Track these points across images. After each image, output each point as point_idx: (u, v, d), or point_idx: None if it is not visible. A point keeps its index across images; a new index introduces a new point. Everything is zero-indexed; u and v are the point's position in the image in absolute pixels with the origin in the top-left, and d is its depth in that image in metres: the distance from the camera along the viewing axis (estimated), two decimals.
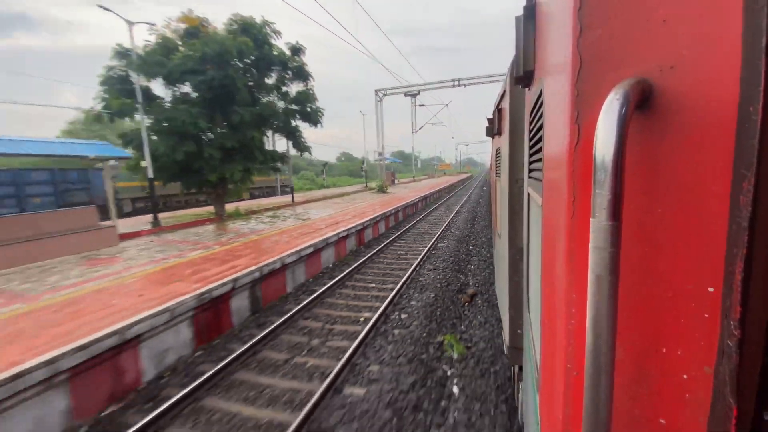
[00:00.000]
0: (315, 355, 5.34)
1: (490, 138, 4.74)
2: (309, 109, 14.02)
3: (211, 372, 4.67)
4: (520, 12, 1.35)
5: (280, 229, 11.93)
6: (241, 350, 5.21)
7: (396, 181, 46.23)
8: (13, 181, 17.77)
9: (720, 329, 0.56)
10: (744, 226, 0.51)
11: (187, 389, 4.33)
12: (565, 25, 0.72)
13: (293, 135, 14.61)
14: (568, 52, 0.69)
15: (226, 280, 6.47)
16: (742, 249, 0.51)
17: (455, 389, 4.42)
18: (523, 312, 2.22)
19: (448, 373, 4.76)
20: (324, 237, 10.16)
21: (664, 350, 0.63)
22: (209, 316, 6.04)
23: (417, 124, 30.70)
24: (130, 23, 11.10)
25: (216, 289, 6.14)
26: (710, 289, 0.58)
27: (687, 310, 0.60)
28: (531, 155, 1.57)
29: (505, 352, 3.86)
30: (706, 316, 0.58)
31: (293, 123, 14.52)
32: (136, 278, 6.90)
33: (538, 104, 1.22)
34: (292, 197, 22.19)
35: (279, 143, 17.85)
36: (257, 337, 5.62)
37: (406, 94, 27.54)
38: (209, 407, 4.24)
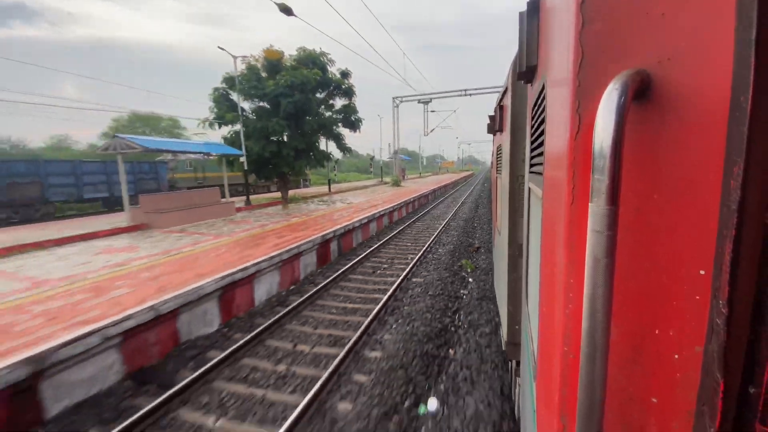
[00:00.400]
0: (392, 270, 9.61)
1: (492, 135, 4.90)
2: (353, 119, 18.31)
3: (333, 276, 8.94)
4: (524, 9, 1.37)
5: (335, 209, 16.23)
6: (344, 269, 9.41)
7: (405, 177, 50.46)
8: (105, 170, 22.10)
9: (710, 309, 0.58)
10: (733, 209, 0.53)
11: (328, 279, 8.61)
12: (568, 19, 0.75)
13: (338, 139, 18.88)
14: (571, 45, 0.72)
15: (327, 231, 10.73)
16: (731, 231, 0.53)
17: (470, 279, 8.69)
18: (522, 306, 2.26)
19: (465, 275, 9.04)
20: (370, 214, 14.43)
21: (657, 331, 0.65)
22: (321, 250, 10.32)
23: (429, 127, 35.02)
24: (234, 57, 15.44)
25: (327, 235, 10.42)
26: (701, 272, 0.60)
27: (680, 292, 0.63)
28: (532, 150, 1.60)
29: (503, 348, 4.03)
30: (698, 297, 0.60)
31: (337, 130, 18.78)
32: (266, 231, 11.16)
33: (541, 98, 1.25)
34: (329, 187, 26.67)
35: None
36: (352, 263, 9.86)
37: (419, 101, 31.88)
38: (342, 286, 8.53)
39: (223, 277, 6.44)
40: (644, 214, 0.66)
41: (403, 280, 8.26)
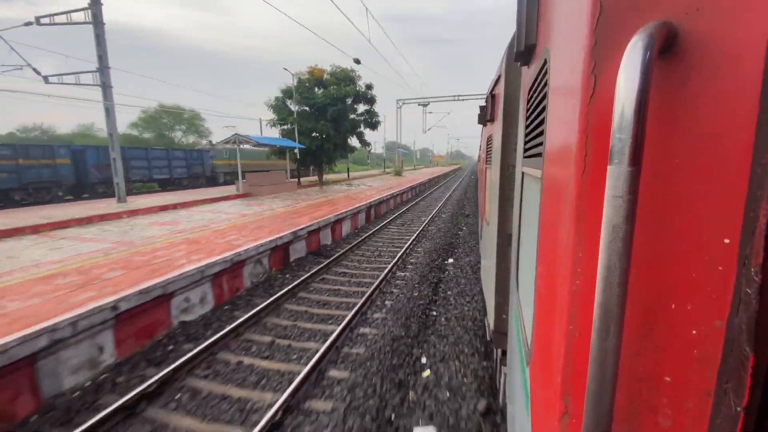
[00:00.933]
0: (412, 226, 15.22)
1: (481, 127, 4.79)
2: (373, 121, 23.80)
3: (365, 235, 14.54)
4: None
5: (361, 190, 21.73)
6: (374, 229, 14.88)
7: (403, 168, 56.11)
8: (167, 156, 27.06)
9: (736, 280, 0.55)
10: None
11: (378, 227, 14.21)
12: None
13: (360, 136, 24.36)
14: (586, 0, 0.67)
15: (362, 204, 16.25)
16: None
17: (464, 227, 14.41)
18: (511, 296, 2.22)
19: (461, 225, 14.75)
20: (389, 194, 20.00)
21: (673, 306, 0.62)
22: (358, 218, 15.84)
23: (426, 126, 40.67)
24: (293, 74, 20.72)
25: (362, 206, 15.98)
26: (726, 241, 0.56)
27: (700, 262, 0.59)
28: (528, 134, 1.56)
29: (488, 337, 4.21)
30: (720, 268, 0.57)
31: (360, 129, 24.27)
32: (328, 200, 16.63)
33: (541, 75, 1.22)
34: (348, 174, 32.18)
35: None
36: (379, 226, 15.41)
37: (419, 104, 37.38)
38: (371, 242, 14.16)
39: (330, 219, 11.97)
40: (662, 179, 0.61)
41: (421, 231, 13.94)
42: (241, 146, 22.88)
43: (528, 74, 1.64)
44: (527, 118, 1.61)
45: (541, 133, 1.19)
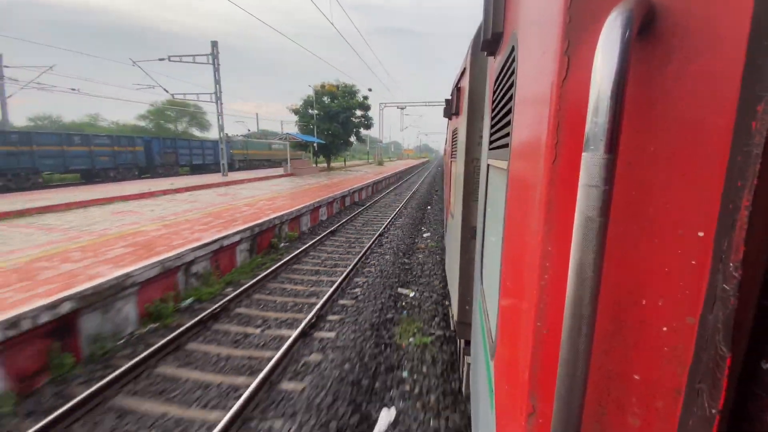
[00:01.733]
0: (405, 192, 23.60)
1: (447, 120, 4.78)
2: (368, 123, 31.95)
3: (382, 195, 22.88)
4: None
5: (360, 174, 29.76)
6: (371, 202, 23.19)
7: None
8: (202, 146, 33.70)
9: (710, 275, 0.52)
10: (756, 153, 0.44)
11: (382, 195, 22.53)
12: None
13: (357, 134, 32.45)
14: None
15: (369, 181, 24.47)
16: (752, 180, 0.45)
17: (435, 197, 23.03)
18: (475, 287, 2.21)
19: (435, 192, 23.35)
20: (383, 176, 28.27)
21: (644, 302, 0.60)
22: (364, 193, 24.06)
23: (403, 125, 49.20)
24: (314, 89, 28.33)
25: (369, 183, 24.20)
26: (700, 234, 0.54)
27: (673, 256, 0.57)
28: (495, 125, 1.52)
29: (452, 327, 4.24)
30: (694, 263, 0.55)
31: (357, 129, 32.38)
32: (344, 179, 24.66)
33: (508, 64, 1.18)
34: (345, 163, 40.01)
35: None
36: (386, 192, 23.70)
37: (398, 107, 45.70)
38: (388, 198, 22.53)
39: (364, 184, 20.09)
40: (636, 168, 0.58)
41: (411, 196, 22.38)
42: (250, 139, 29.89)
43: (494, 65, 1.59)
44: (493, 110, 1.57)
45: (508, 123, 1.15)
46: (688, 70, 0.54)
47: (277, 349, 4.79)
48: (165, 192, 15.67)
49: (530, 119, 0.83)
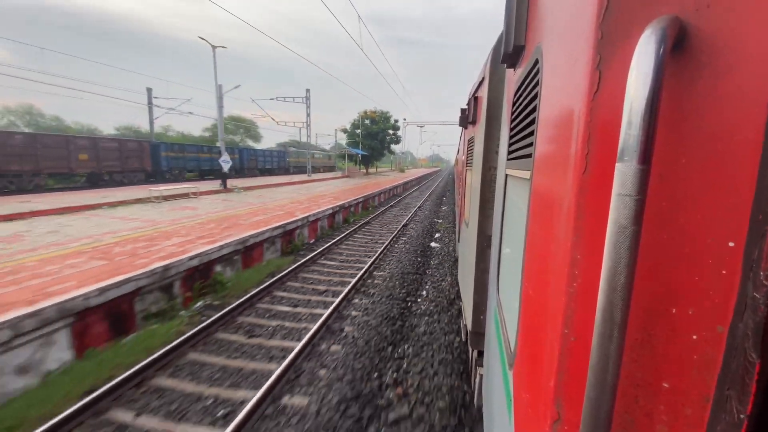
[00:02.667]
0: (427, 189, 33.53)
1: (462, 128, 4.69)
2: (398, 139, 42.23)
3: (413, 189, 32.85)
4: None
5: (394, 177, 39.83)
6: (405, 194, 33.10)
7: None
8: (271, 155, 44.22)
9: (741, 284, 0.53)
10: None
11: (413, 189, 32.50)
12: None
13: (389, 148, 42.77)
14: None
15: (399, 182, 34.45)
16: None
17: (449, 192, 32.92)
18: (489, 296, 2.19)
19: (446, 196, 33.24)
20: (410, 179, 38.26)
21: (674, 310, 0.60)
22: (404, 186, 34.07)
23: (421, 141, 59.38)
24: (360, 114, 38.68)
25: (401, 183, 34.20)
26: (731, 244, 0.55)
27: (703, 266, 0.57)
28: (515, 135, 1.53)
29: (464, 338, 4.16)
30: (724, 272, 0.56)
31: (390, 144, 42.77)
32: (389, 179, 34.72)
33: (531, 75, 1.20)
34: (376, 168, 50.27)
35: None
36: (415, 188, 33.63)
37: (418, 126, 55.92)
38: (418, 190, 32.55)
39: (397, 184, 30.07)
40: (668, 179, 0.59)
41: (431, 192, 32.31)
42: (300, 150, 40.12)
43: (515, 76, 1.60)
44: (512, 120, 1.59)
45: (530, 134, 1.17)
46: (718, 85, 0.54)
47: (392, 232, 14.63)
48: (304, 182, 26.06)
49: (558, 131, 0.83)
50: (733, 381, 0.53)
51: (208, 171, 33.63)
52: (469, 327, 3.20)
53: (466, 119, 3.88)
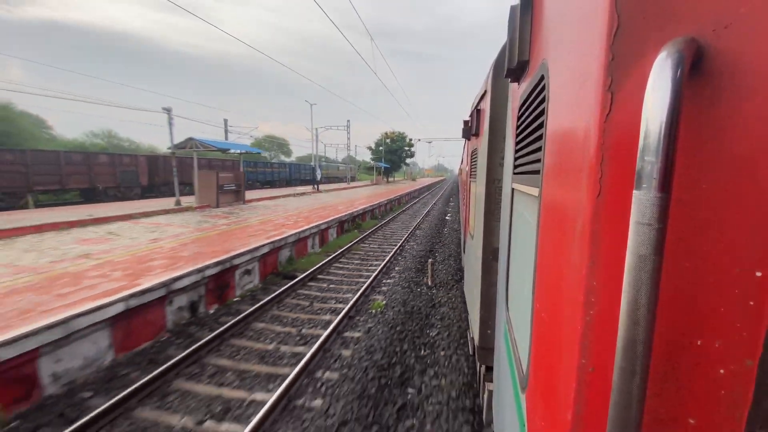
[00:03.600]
0: (438, 193, 43.35)
1: (465, 140, 4.70)
2: (412, 154, 52.50)
3: (427, 192, 42.80)
4: (506, 8, 1.30)
5: (412, 184, 49.77)
6: (422, 196, 42.96)
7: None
8: (308, 168, 54.48)
9: None
10: None
11: (425, 194, 42.46)
12: None
13: (404, 161, 53.05)
14: (602, 14, 0.64)
15: (416, 188, 44.34)
16: None
17: (453, 199, 42.79)
18: (498, 311, 2.13)
19: (453, 197, 43.09)
20: (424, 185, 48.23)
21: (699, 342, 0.58)
22: (420, 190, 43.98)
23: (429, 154, 69.62)
24: (382, 136, 48.89)
25: (419, 187, 44.12)
26: (758, 273, 0.53)
27: (729, 297, 0.55)
28: (520, 150, 1.51)
29: (471, 352, 4.10)
30: (751, 303, 0.53)
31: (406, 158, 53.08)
32: (407, 185, 44.68)
33: (536, 91, 1.18)
34: (394, 178, 60.55)
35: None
36: (427, 192, 43.53)
37: (427, 142, 66.17)
38: (427, 194, 42.54)
39: (414, 189, 39.91)
40: (688, 206, 0.57)
41: (441, 195, 42.10)
42: (328, 162, 50.17)
43: (519, 90, 1.58)
44: (518, 134, 1.56)
45: (538, 150, 1.14)
46: (739, 108, 0.53)
47: (422, 214, 24.41)
48: (350, 188, 35.98)
49: (568, 150, 0.80)
50: (765, 419, 0.51)
51: (269, 181, 43.78)
52: (477, 342, 3.13)
53: (470, 131, 3.90)
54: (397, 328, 5.95)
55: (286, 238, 9.85)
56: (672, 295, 0.59)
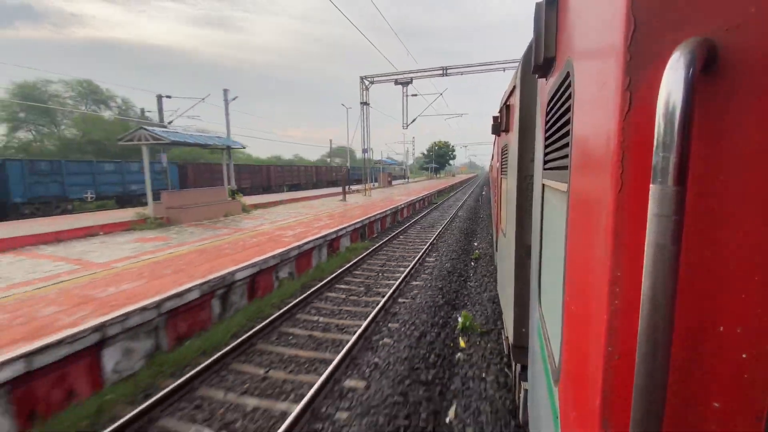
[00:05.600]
0: (472, 186, 59.66)
1: (495, 136, 4.75)
2: (454, 156, 69.38)
3: (465, 185, 59.34)
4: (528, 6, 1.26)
5: (457, 177, 66.48)
6: (462, 187, 59.29)
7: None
8: (360, 170, 72.50)
9: None
10: None
11: (465, 186, 59.06)
12: None
13: (448, 162, 70.09)
14: (619, 16, 0.66)
15: (458, 180, 60.66)
16: None
17: (485, 189, 59.02)
18: (531, 309, 2.15)
19: (485, 191, 59.31)
20: (462, 179, 64.61)
21: (721, 328, 0.60)
22: (457, 184, 60.50)
23: (466, 155, 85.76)
24: (432, 143, 65.90)
25: (459, 181, 60.63)
26: None
27: (750, 283, 0.57)
28: (549, 146, 1.53)
29: (506, 351, 4.03)
30: None
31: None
32: (448, 180, 61.26)
33: (563, 88, 1.19)
34: (439, 175, 77.66)
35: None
36: (462, 187, 59.95)
37: (463, 147, 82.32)
38: (470, 183, 59.06)
39: (456, 182, 56.41)
40: (708, 198, 0.59)
41: (475, 189, 58.41)
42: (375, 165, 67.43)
43: (547, 86, 1.60)
44: (547, 130, 1.57)
45: (565, 146, 1.16)
46: (754, 105, 0.55)
47: (467, 194, 41.08)
48: (412, 182, 53.19)
49: (592, 147, 0.83)
50: None
51: (357, 179, 61.92)
52: (511, 340, 3.10)
53: (499, 127, 3.88)
54: (467, 215, 23.00)
55: (424, 196, 27.00)
56: (693, 284, 0.60)
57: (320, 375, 4.52)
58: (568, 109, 1.11)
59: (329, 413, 3.98)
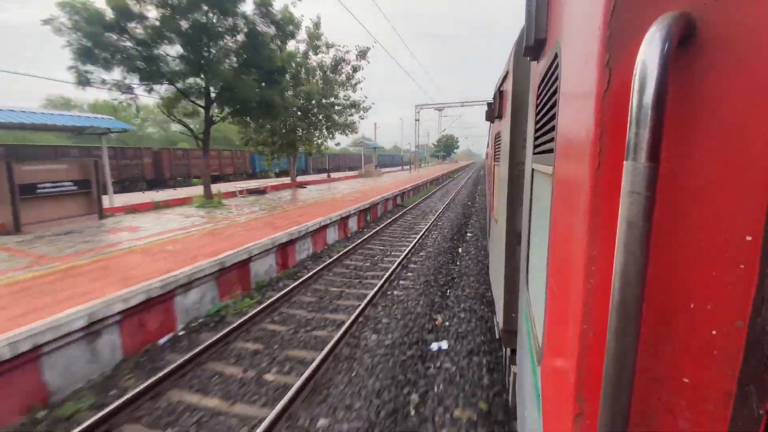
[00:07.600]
0: (471, 171, 75.07)
1: (489, 123, 4.76)
2: (457, 146, 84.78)
3: (464, 170, 74.59)
4: None
5: (455, 165, 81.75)
6: (465, 170, 74.55)
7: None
8: (393, 157, 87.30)
9: (759, 278, 0.53)
10: None
11: (464, 171, 74.25)
12: None
13: (454, 151, 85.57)
14: None
15: (462, 165, 75.98)
16: None
17: (482, 171, 74.22)
18: (520, 294, 2.18)
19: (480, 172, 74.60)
20: (464, 164, 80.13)
21: (692, 305, 0.60)
22: (459, 169, 75.65)
23: (467, 145, 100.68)
24: (440, 135, 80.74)
25: (464, 165, 75.99)
26: (748, 238, 0.54)
27: (720, 261, 0.57)
28: (538, 130, 1.53)
29: (497, 336, 4.14)
30: (742, 266, 0.55)
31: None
32: (455, 165, 76.65)
33: (551, 70, 1.19)
34: (444, 161, 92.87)
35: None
36: (463, 170, 75.20)
37: (466, 137, 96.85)
38: (469, 169, 74.36)
39: (459, 166, 71.71)
40: (680, 175, 0.59)
41: (472, 174, 73.73)
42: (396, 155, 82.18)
43: (538, 69, 1.59)
44: (537, 114, 1.57)
45: (552, 129, 1.15)
46: (730, 78, 0.54)
47: (469, 176, 56.31)
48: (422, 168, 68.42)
49: (573, 126, 0.83)
50: (753, 376, 0.53)
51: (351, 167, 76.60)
52: (501, 325, 3.15)
53: (493, 113, 3.85)
54: (464, 190, 38.42)
55: (449, 172, 42.24)
56: (665, 261, 0.61)
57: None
58: (555, 92, 1.12)
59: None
